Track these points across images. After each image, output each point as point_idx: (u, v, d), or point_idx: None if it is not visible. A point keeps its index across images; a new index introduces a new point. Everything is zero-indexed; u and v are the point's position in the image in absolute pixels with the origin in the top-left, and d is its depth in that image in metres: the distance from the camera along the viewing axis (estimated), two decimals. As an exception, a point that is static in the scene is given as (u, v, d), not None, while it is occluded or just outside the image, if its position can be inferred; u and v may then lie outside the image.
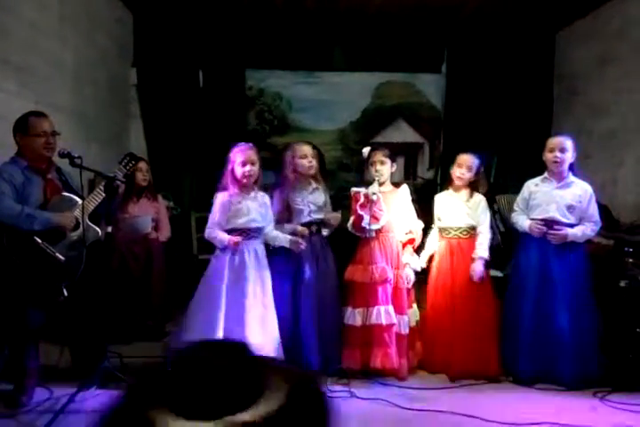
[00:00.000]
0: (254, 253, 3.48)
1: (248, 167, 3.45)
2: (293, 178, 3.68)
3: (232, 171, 3.50)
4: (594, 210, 3.67)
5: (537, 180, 3.79)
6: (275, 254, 3.64)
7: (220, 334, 3.28)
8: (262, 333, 3.38)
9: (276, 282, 3.57)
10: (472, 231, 3.81)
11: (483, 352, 3.66)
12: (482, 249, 3.73)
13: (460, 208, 3.82)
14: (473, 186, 3.85)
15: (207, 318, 3.34)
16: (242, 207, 3.47)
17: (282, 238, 3.55)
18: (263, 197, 3.57)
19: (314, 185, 3.75)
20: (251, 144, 3.56)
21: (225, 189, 3.51)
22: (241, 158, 3.46)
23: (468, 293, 3.72)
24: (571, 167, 3.69)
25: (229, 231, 3.48)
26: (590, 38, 5.96)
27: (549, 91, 6.70)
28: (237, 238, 3.41)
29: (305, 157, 3.68)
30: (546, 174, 3.75)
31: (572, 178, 3.70)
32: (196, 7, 6.02)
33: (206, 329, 3.28)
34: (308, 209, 3.68)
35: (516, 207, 3.86)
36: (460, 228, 3.82)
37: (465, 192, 3.85)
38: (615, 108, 5.47)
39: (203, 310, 3.40)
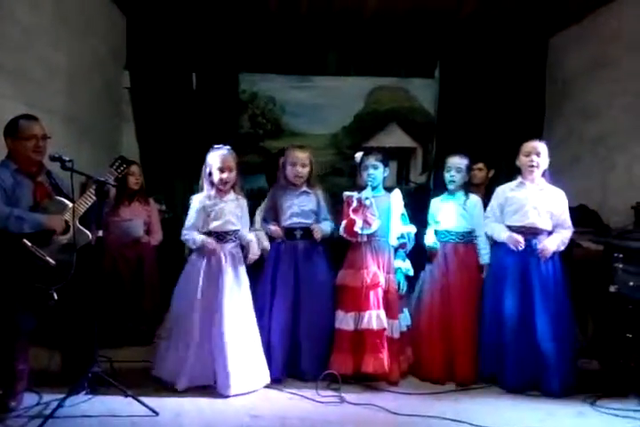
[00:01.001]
0: (230, 257, 3.49)
1: (225, 174, 3.46)
2: (284, 181, 3.74)
3: (209, 174, 3.50)
4: (567, 216, 3.68)
5: (511, 185, 3.75)
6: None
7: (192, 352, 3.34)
8: (242, 338, 3.39)
9: (258, 284, 3.65)
10: (468, 236, 3.83)
11: (461, 358, 3.67)
12: (485, 255, 3.79)
13: (457, 211, 3.83)
14: (466, 189, 3.88)
15: (179, 329, 3.42)
16: (217, 210, 3.48)
17: (254, 246, 3.62)
18: (241, 201, 3.58)
19: (303, 189, 3.76)
20: (228, 147, 3.55)
21: (201, 191, 3.53)
22: (218, 164, 3.46)
23: (464, 298, 3.73)
24: (543, 173, 3.69)
25: (205, 234, 3.49)
26: (583, 43, 5.99)
27: (542, 95, 6.74)
28: (214, 245, 3.41)
29: (294, 164, 3.70)
30: (520, 179, 3.72)
31: (545, 184, 3.70)
32: (189, 10, 6.02)
33: (179, 346, 3.38)
34: (290, 212, 3.70)
35: (489, 214, 3.78)
36: (457, 232, 3.82)
37: (460, 194, 3.87)
38: (606, 112, 5.50)
39: (178, 321, 3.45)
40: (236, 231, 3.53)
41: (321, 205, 3.78)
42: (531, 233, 3.60)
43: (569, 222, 3.68)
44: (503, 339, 3.58)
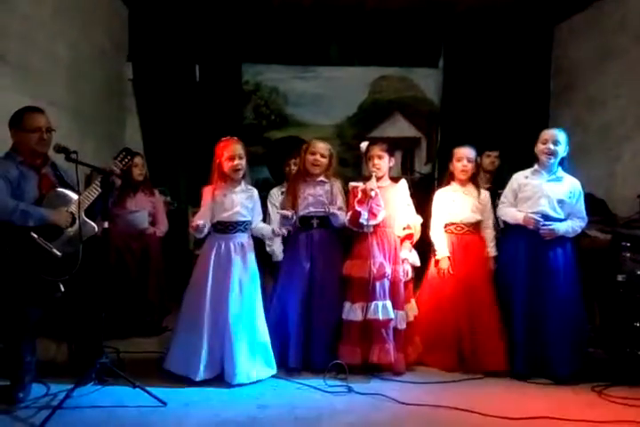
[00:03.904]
0: (240, 247, 3.48)
1: (236, 161, 3.45)
2: (303, 170, 3.74)
3: (219, 165, 3.50)
4: (582, 206, 3.67)
5: (527, 172, 3.75)
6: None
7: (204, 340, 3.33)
8: (249, 328, 3.40)
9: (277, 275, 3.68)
10: (477, 226, 3.85)
11: (487, 346, 3.66)
12: (493, 247, 3.84)
13: (471, 204, 3.85)
14: (475, 180, 3.91)
15: (192, 320, 3.41)
16: (227, 201, 3.47)
17: (267, 229, 3.58)
18: (251, 191, 3.58)
19: (320, 179, 3.75)
20: (236, 138, 3.56)
21: (212, 182, 3.53)
22: (228, 153, 3.46)
23: (481, 288, 3.75)
24: (561, 162, 3.67)
25: (215, 225, 3.49)
26: (589, 32, 5.94)
27: (546, 85, 6.70)
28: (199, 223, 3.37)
29: (314, 153, 3.71)
30: (536, 166, 3.71)
31: (561, 172, 3.68)
32: (191, 1, 5.99)
33: (192, 337, 3.37)
34: (306, 201, 3.70)
35: (503, 199, 3.80)
36: (471, 223, 3.84)
37: (472, 187, 3.89)
38: (613, 102, 5.46)
39: (189, 311, 3.45)
40: (245, 222, 3.52)
41: (334, 194, 3.76)
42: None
43: (583, 213, 3.66)
44: (512, 326, 3.59)
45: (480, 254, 3.84)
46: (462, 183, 3.90)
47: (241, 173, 3.50)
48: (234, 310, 3.37)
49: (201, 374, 3.33)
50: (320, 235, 3.70)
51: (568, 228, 3.59)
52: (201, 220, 3.40)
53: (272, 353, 3.50)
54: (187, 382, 3.34)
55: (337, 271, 3.67)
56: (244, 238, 3.52)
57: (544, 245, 3.57)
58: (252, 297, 3.48)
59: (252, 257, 3.52)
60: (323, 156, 3.72)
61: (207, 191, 3.53)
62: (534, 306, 3.55)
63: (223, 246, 3.46)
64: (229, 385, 3.32)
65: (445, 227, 3.88)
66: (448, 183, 3.96)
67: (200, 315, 3.38)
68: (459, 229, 3.85)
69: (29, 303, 3.10)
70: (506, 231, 3.81)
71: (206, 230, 3.45)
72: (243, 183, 3.55)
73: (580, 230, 3.66)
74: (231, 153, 3.46)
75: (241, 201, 3.50)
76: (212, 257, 3.45)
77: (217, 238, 3.50)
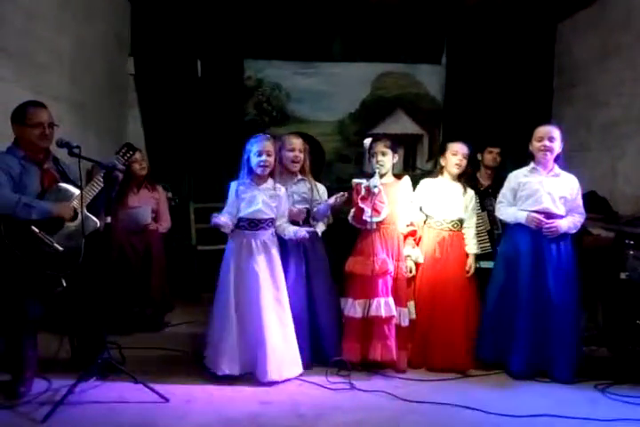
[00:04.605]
0: (262, 245, 3.46)
1: (264, 157, 3.44)
2: (280, 168, 3.68)
3: (247, 161, 3.49)
4: (580, 201, 3.66)
5: (524, 170, 3.71)
6: None
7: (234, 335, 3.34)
8: (277, 325, 3.38)
9: None
10: (458, 224, 3.82)
11: (455, 345, 3.64)
12: (475, 245, 3.83)
13: (457, 201, 3.82)
14: (463, 178, 3.89)
15: (221, 318, 3.41)
16: (250, 197, 3.47)
17: (290, 230, 3.53)
18: (278, 190, 3.55)
19: (299, 176, 3.76)
20: (268, 135, 3.56)
21: (240, 178, 3.53)
22: (257, 148, 3.45)
23: (457, 286, 3.73)
24: (556, 159, 3.64)
25: (238, 220, 3.48)
26: (592, 29, 5.92)
27: (549, 82, 6.67)
28: (221, 221, 3.36)
29: (292, 150, 3.69)
30: (533, 164, 3.68)
31: (557, 169, 3.66)
32: (194, -4, 5.97)
33: (222, 331, 3.38)
34: (291, 199, 3.68)
35: (502, 199, 3.75)
36: (452, 220, 3.81)
37: (459, 185, 3.86)
38: (616, 100, 5.44)
39: (218, 308, 3.46)
40: (268, 220, 3.49)
41: (314, 193, 3.75)
42: (544, 218, 3.55)
43: (582, 209, 3.65)
44: (513, 324, 3.54)
45: (458, 251, 3.79)
46: (454, 179, 3.87)
47: (267, 169, 3.48)
48: (262, 309, 3.34)
49: (228, 370, 3.32)
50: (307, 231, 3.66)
51: (570, 224, 3.57)
52: (223, 216, 3.40)
53: (298, 351, 3.46)
54: (189, 378, 3.33)
55: (327, 264, 3.71)
56: (267, 236, 3.49)
57: (547, 242, 3.55)
58: (278, 294, 3.43)
59: (275, 254, 3.49)
60: (300, 151, 3.72)
61: (233, 186, 3.52)
62: (538, 305, 3.51)
63: (245, 242, 3.44)
64: (262, 383, 3.31)
65: (425, 222, 3.84)
66: (436, 176, 3.94)
67: (227, 313, 3.37)
68: (438, 224, 3.82)
69: (31, 298, 3.09)
70: (506, 230, 3.77)
71: (230, 227, 3.44)
72: (270, 181, 3.53)
73: (579, 225, 3.64)
74: (259, 149, 3.44)
75: (264, 199, 3.47)
76: (236, 254, 3.44)
77: (240, 234, 3.48)
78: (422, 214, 3.81)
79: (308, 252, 3.69)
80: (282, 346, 3.36)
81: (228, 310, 3.38)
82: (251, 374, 3.37)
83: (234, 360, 3.34)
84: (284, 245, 3.61)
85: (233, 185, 3.53)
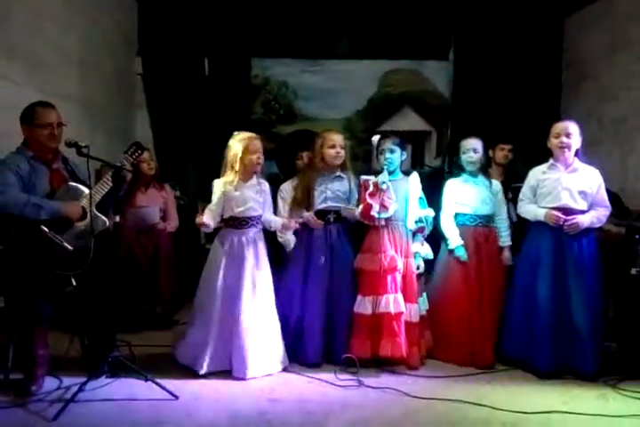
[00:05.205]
0: (252, 243, 3.48)
1: (257, 155, 3.45)
2: (320, 166, 3.70)
3: (241, 159, 3.45)
4: (604, 195, 3.60)
5: (543, 167, 3.69)
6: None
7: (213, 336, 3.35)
8: (259, 322, 3.40)
9: (289, 268, 3.68)
10: (490, 218, 3.85)
11: (487, 341, 3.66)
12: (508, 237, 3.87)
13: (484, 195, 3.83)
14: (485, 170, 3.91)
15: (202, 314, 3.44)
16: (239, 196, 3.46)
17: (277, 222, 3.57)
18: (262, 185, 3.57)
19: (337, 173, 3.75)
20: (254, 133, 3.55)
21: (222, 176, 3.52)
22: (250, 147, 3.44)
23: (494, 281, 3.76)
24: (576, 153, 3.61)
25: (228, 220, 3.48)
26: (601, 23, 5.88)
27: (558, 77, 6.64)
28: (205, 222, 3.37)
29: (333, 146, 3.69)
30: (552, 161, 3.65)
31: (578, 163, 3.62)
32: (200, -5, 5.98)
33: (201, 330, 3.40)
34: (324, 195, 3.69)
35: (522, 197, 3.75)
36: (485, 215, 3.83)
37: (483, 178, 3.88)
38: (626, 94, 5.40)
39: (200, 305, 3.48)
40: (257, 217, 3.52)
41: (352, 189, 3.77)
42: (564, 215, 3.51)
43: (606, 202, 3.59)
44: (536, 322, 3.51)
45: (493, 246, 3.83)
46: (472, 174, 3.88)
47: (259, 167, 3.51)
48: (247, 304, 3.37)
49: (206, 367, 3.34)
50: (337, 229, 3.71)
51: (592, 218, 3.53)
52: (209, 217, 3.40)
53: (283, 346, 3.50)
54: (198, 375, 3.35)
55: (350, 266, 3.68)
56: (256, 233, 3.52)
57: (569, 238, 3.51)
58: (265, 291, 3.47)
59: (263, 249, 3.52)
60: (342, 147, 3.71)
61: (218, 185, 3.51)
62: (561, 302, 3.47)
63: (236, 241, 3.46)
64: (236, 378, 3.33)
65: (457, 218, 3.85)
66: (458, 175, 3.93)
67: (211, 309, 3.39)
68: (472, 220, 3.83)
69: (41, 297, 3.10)
70: (528, 227, 3.75)
71: (211, 228, 3.45)
72: (255, 177, 3.55)
73: (605, 219, 3.59)
74: (255, 148, 3.45)
75: (253, 196, 3.49)
76: (225, 252, 3.45)
77: (229, 233, 3.49)
78: (430, 211, 3.79)
79: (334, 247, 3.69)
80: (260, 343, 3.37)
81: (212, 306, 3.38)
82: (228, 372, 3.38)
83: (214, 358, 3.35)
84: (311, 237, 3.64)
85: (217, 182, 3.50)
